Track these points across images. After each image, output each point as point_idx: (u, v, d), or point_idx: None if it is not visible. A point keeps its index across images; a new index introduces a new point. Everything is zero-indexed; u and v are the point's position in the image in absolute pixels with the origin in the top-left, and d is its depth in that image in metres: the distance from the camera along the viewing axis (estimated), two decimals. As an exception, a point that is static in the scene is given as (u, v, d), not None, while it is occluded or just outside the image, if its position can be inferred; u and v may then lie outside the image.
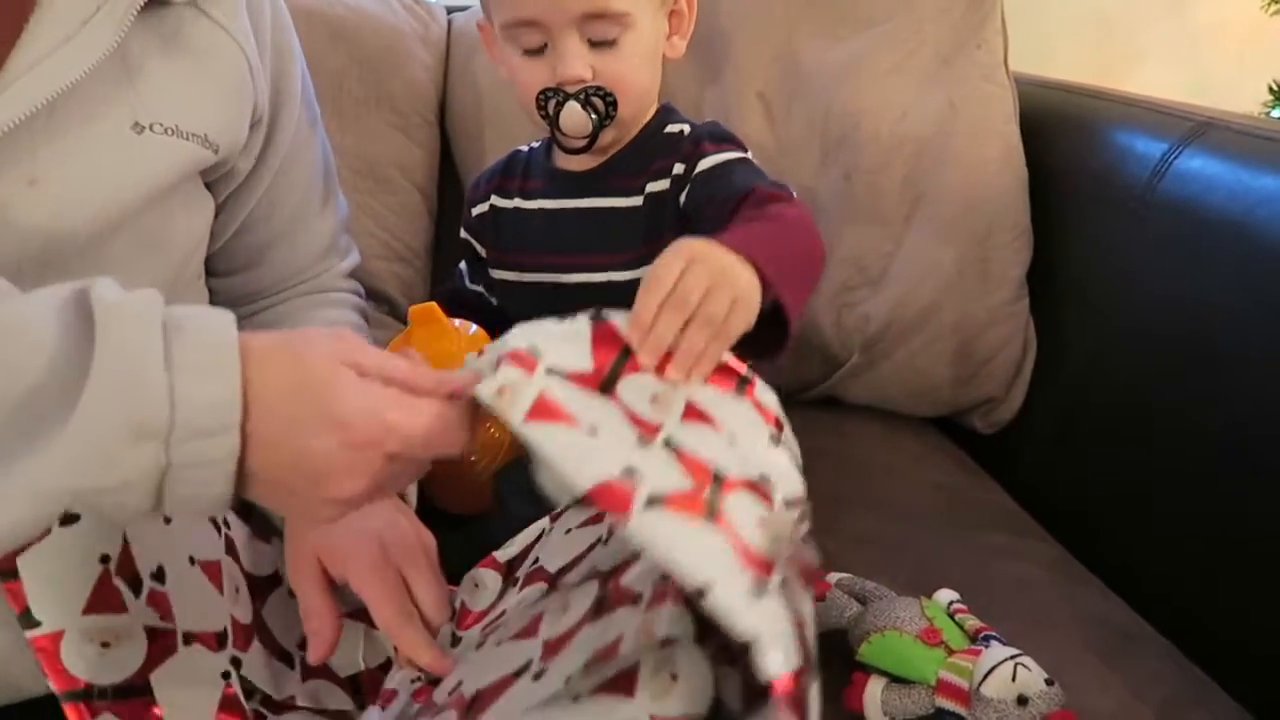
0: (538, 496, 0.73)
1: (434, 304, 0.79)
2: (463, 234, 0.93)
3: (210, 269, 0.75)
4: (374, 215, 1.13)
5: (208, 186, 0.70)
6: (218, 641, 0.56)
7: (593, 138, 0.77)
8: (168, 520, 0.57)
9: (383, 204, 1.14)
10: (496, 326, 0.87)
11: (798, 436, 0.95)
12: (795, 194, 0.77)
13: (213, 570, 0.59)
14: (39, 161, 0.56)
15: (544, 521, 0.67)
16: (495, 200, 0.89)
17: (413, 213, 1.16)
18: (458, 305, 0.94)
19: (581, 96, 0.75)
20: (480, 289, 0.93)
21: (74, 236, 0.58)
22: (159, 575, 0.55)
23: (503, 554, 0.65)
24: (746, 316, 0.55)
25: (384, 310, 1.12)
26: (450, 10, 1.27)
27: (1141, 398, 0.90)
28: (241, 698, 0.56)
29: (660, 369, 0.51)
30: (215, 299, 0.76)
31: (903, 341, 1.06)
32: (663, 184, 0.80)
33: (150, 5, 0.60)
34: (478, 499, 0.79)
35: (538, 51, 0.76)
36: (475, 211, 0.91)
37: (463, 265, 0.95)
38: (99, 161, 0.58)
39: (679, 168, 0.79)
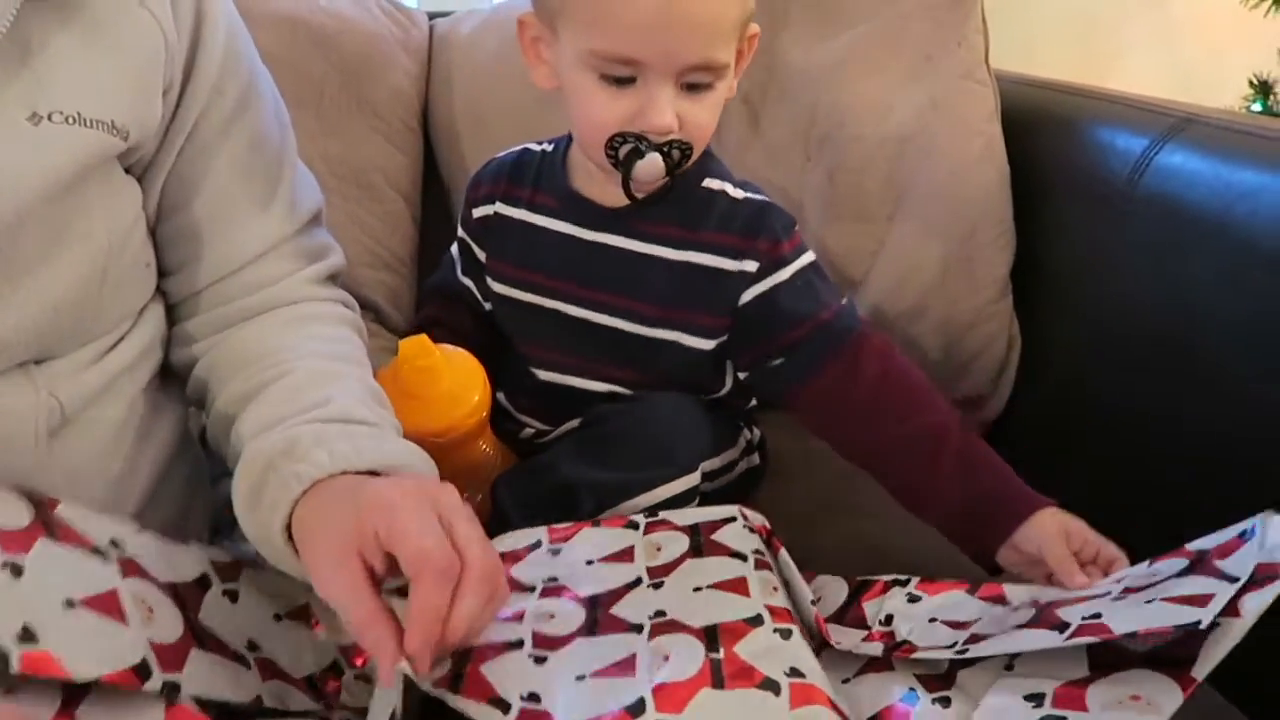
0: (536, 506, 0.73)
1: (424, 338, 0.74)
2: (460, 232, 0.89)
3: (159, 267, 0.69)
4: (359, 222, 1.13)
5: (128, 171, 0.64)
6: (138, 676, 0.50)
7: (667, 188, 0.73)
8: (17, 573, 0.50)
9: (367, 211, 1.14)
10: (480, 328, 0.87)
11: (789, 440, 0.95)
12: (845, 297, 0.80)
13: (104, 603, 0.53)
14: None
15: (539, 532, 0.68)
16: (501, 207, 0.84)
17: (397, 219, 1.16)
18: (445, 299, 0.93)
19: (664, 148, 0.70)
20: (470, 284, 0.89)
21: None
22: (27, 636, 0.47)
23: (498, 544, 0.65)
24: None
25: (370, 318, 1.12)
26: (432, 16, 1.26)
27: (1126, 393, 0.90)
28: (195, 708, 0.51)
29: None
30: (167, 299, 0.71)
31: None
32: (721, 261, 0.76)
33: None
34: (475, 512, 0.78)
35: (621, 83, 0.69)
36: (477, 213, 0.85)
37: (454, 252, 0.91)
38: None
39: (751, 264, 0.75)
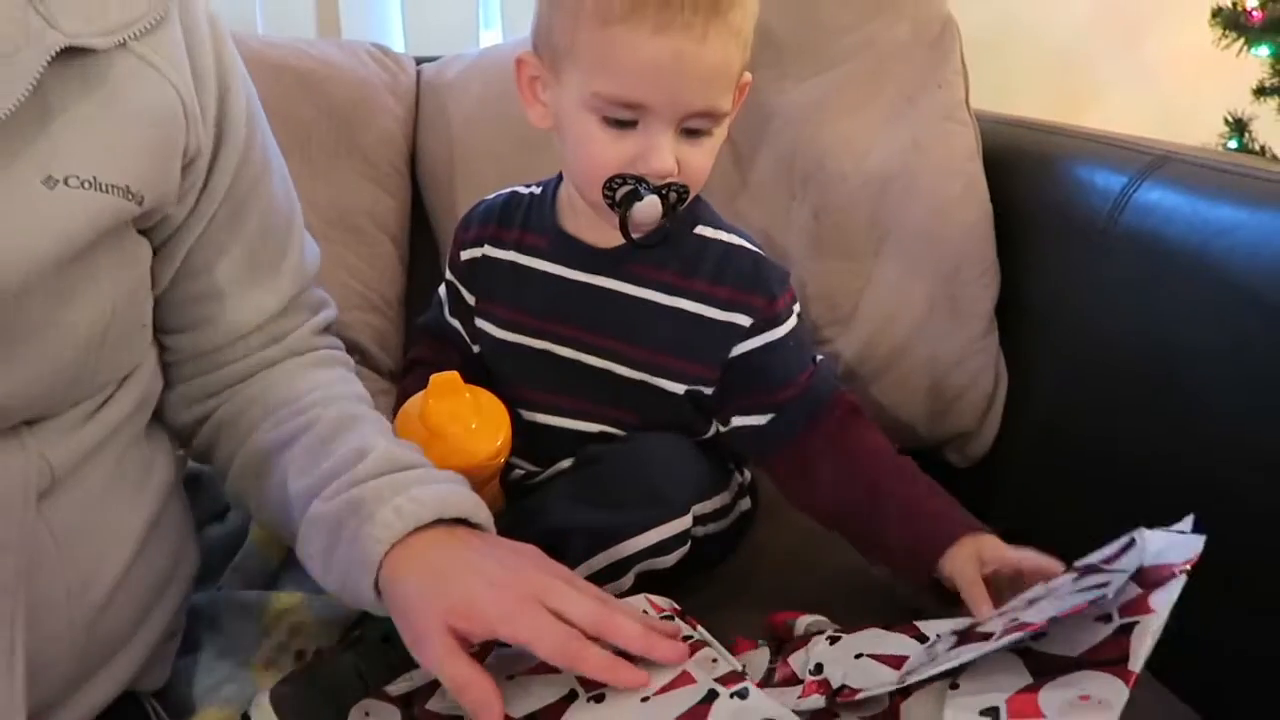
0: (541, 544, 0.73)
1: (455, 375, 0.74)
2: (448, 275, 0.89)
3: (157, 324, 0.70)
4: (347, 266, 1.13)
5: (143, 233, 0.65)
6: None
7: (662, 231, 0.74)
8: None
9: (355, 254, 1.14)
10: (468, 370, 0.88)
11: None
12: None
13: None
14: None
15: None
16: (489, 249, 0.84)
17: (385, 262, 1.16)
18: (434, 339, 0.93)
19: (663, 191, 0.70)
20: (458, 325, 0.89)
21: None
22: None
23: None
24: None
25: (357, 360, 1.12)
26: (419, 61, 1.28)
27: (1109, 428, 0.91)
28: None
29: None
30: (166, 355, 0.72)
31: (875, 378, 1.07)
32: (712, 311, 0.77)
33: (72, 53, 0.55)
34: None
35: (623, 125, 0.69)
36: (465, 256, 0.85)
37: (442, 293, 0.91)
38: (7, 220, 0.53)
39: (743, 319, 0.76)
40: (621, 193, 0.70)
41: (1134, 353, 0.89)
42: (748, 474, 0.90)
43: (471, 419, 0.73)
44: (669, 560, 0.73)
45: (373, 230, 1.16)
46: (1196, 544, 0.53)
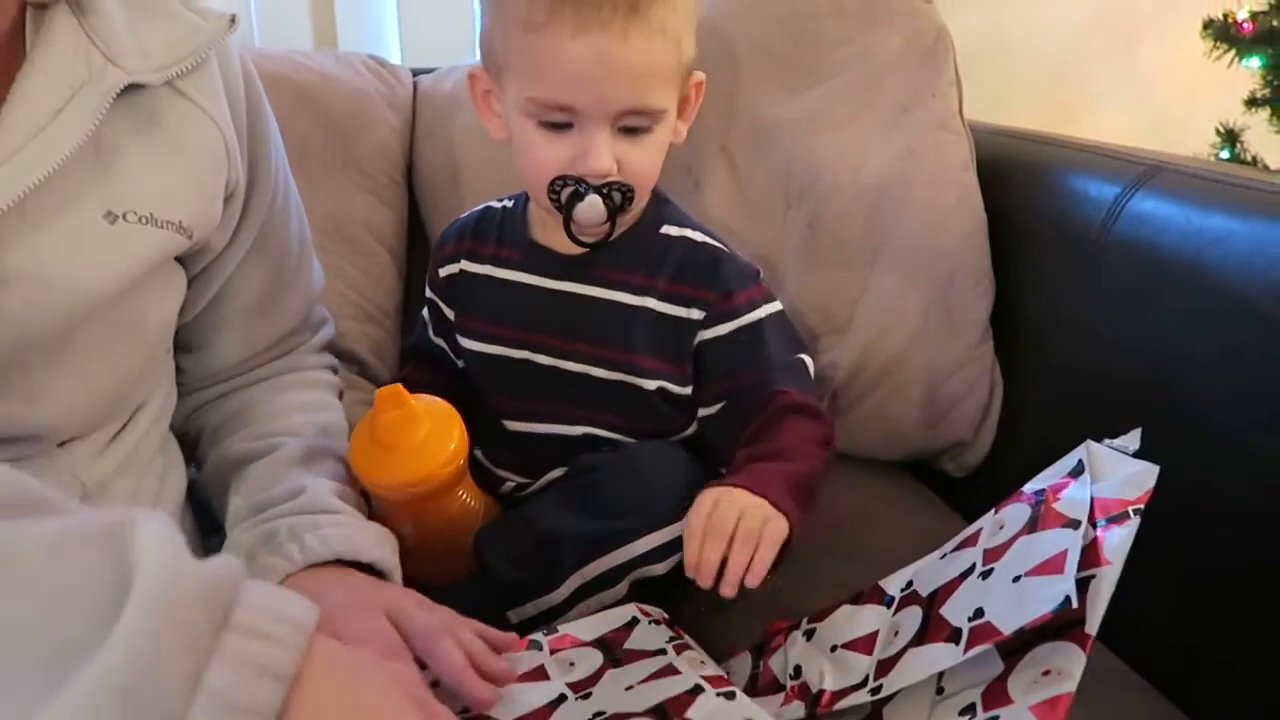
0: (519, 559, 0.73)
1: (399, 388, 0.73)
2: (428, 293, 0.90)
3: (177, 344, 0.72)
4: (343, 276, 1.13)
5: (179, 261, 0.68)
6: None
7: (609, 232, 0.75)
8: None
9: (352, 265, 1.15)
10: (458, 386, 0.88)
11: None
12: (810, 365, 0.82)
13: None
14: (9, 260, 0.53)
15: None
16: (466, 265, 0.86)
17: (382, 273, 1.16)
18: (421, 359, 0.94)
19: (604, 190, 0.72)
20: (443, 344, 0.91)
21: (43, 333, 0.56)
22: None
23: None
24: (779, 534, 0.65)
25: (354, 370, 1.12)
26: (416, 72, 1.28)
27: (1105, 438, 0.91)
28: None
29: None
30: (181, 376, 0.74)
31: (871, 387, 1.07)
32: (674, 309, 0.78)
33: (126, 90, 0.58)
34: (457, 567, 0.77)
35: (560, 127, 0.71)
36: (444, 273, 0.88)
37: (425, 314, 0.93)
38: (71, 255, 0.55)
39: (697, 313, 0.78)
40: (565, 194, 0.72)
41: (1128, 362, 0.89)
42: None
43: (420, 428, 0.72)
44: (663, 567, 0.74)
45: (369, 241, 1.16)
46: (1149, 476, 0.54)
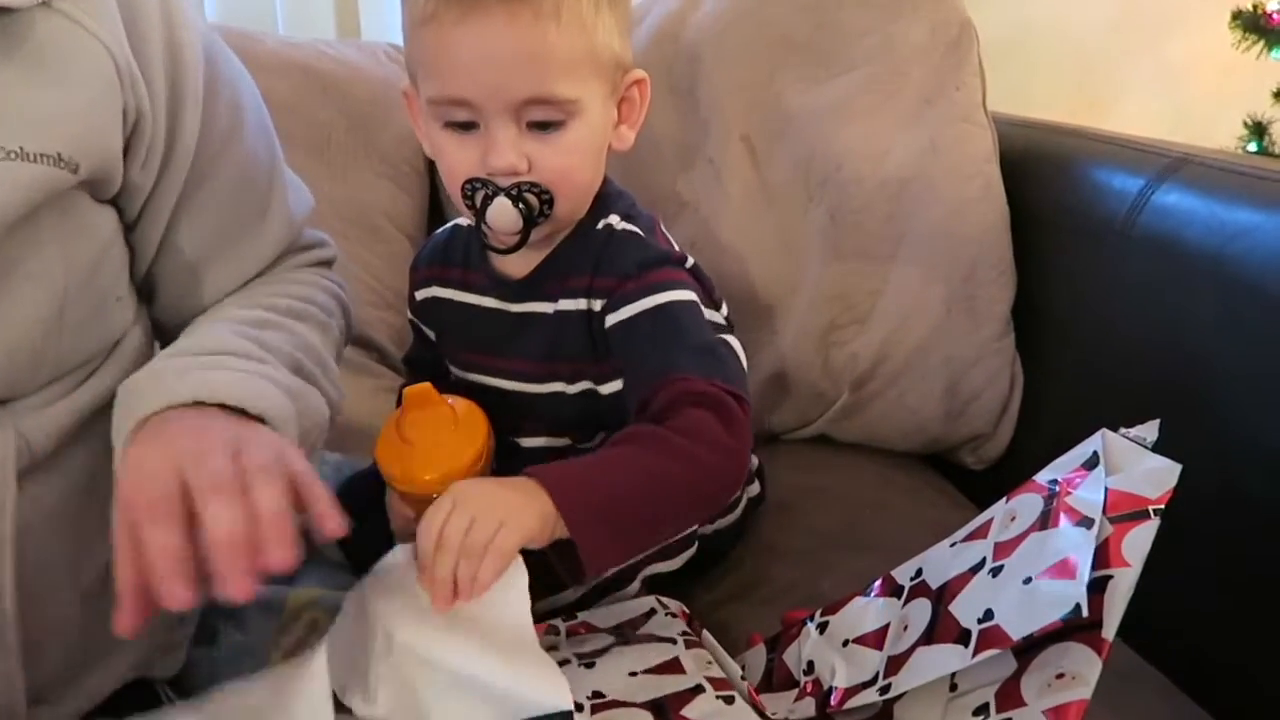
0: (530, 559, 0.73)
1: (429, 386, 0.71)
2: (410, 316, 0.87)
3: (150, 298, 0.68)
4: (364, 263, 1.14)
5: (115, 205, 0.62)
6: None
7: (523, 238, 0.68)
8: None
9: (372, 252, 1.15)
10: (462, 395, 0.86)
11: (793, 476, 0.95)
12: (738, 349, 0.73)
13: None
14: None
15: None
16: (437, 290, 0.81)
17: (402, 261, 1.16)
18: (420, 373, 0.92)
19: (514, 192, 0.66)
20: (433, 356, 0.87)
21: None
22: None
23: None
24: (518, 536, 0.56)
25: (374, 358, 1.13)
26: (438, 61, 1.28)
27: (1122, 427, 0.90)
28: None
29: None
30: (160, 333, 0.69)
31: (892, 379, 1.06)
32: (595, 304, 0.72)
33: None
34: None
35: (466, 127, 0.67)
36: (419, 296, 0.83)
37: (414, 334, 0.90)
38: None
39: (597, 303, 0.71)
40: (478, 198, 0.67)
41: (1150, 355, 0.89)
42: (754, 459, 0.89)
43: (448, 428, 0.71)
44: (675, 564, 0.73)
45: (390, 229, 1.17)
46: (1170, 475, 0.52)
